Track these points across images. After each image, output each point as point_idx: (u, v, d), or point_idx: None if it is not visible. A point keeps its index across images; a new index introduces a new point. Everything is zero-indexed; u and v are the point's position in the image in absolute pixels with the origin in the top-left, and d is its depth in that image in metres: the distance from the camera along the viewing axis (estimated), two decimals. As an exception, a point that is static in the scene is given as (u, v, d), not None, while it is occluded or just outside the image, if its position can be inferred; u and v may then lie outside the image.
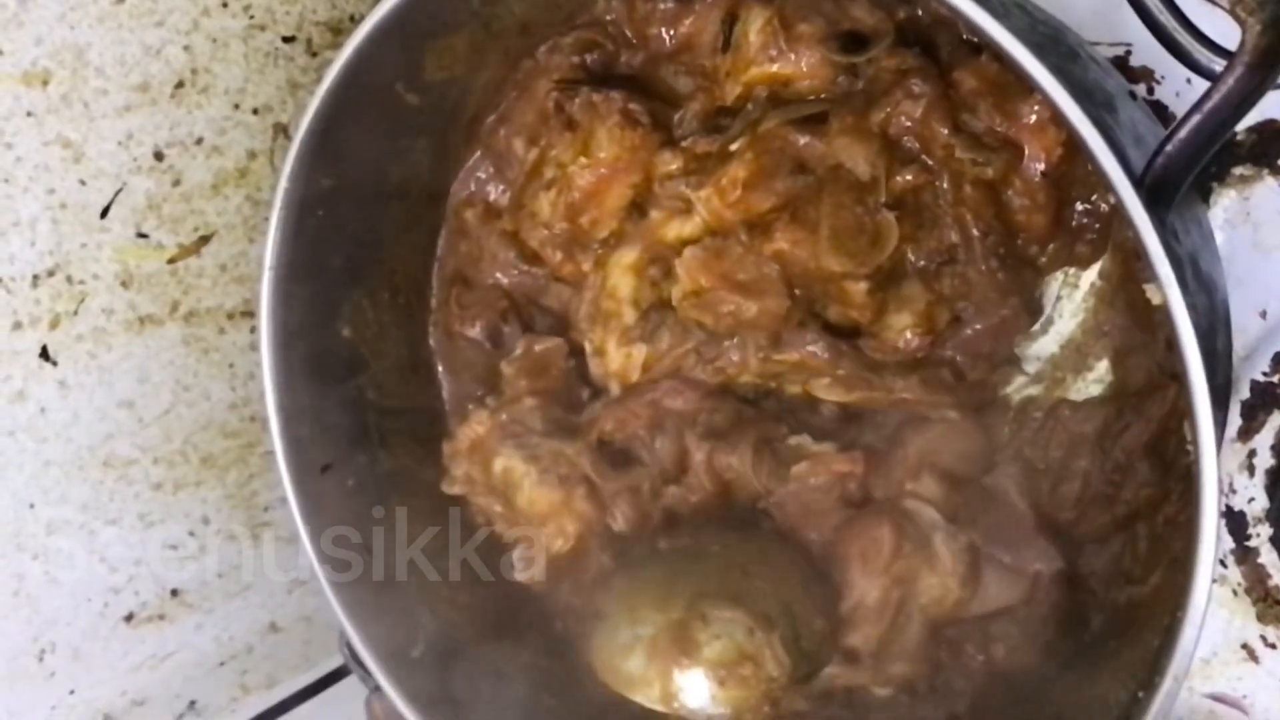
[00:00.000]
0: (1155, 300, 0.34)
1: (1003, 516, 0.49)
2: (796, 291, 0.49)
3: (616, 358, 0.53)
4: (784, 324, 0.50)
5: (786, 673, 0.47)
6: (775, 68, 0.48)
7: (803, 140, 0.48)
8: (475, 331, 0.57)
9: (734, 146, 0.48)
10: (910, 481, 0.50)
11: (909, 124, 0.46)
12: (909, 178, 0.47)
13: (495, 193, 0.57)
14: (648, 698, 0.47)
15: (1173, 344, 0.34)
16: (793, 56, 0.48)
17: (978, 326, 0.49)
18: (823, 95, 0.48)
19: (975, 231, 0.47)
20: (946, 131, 0.46)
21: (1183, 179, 0.35)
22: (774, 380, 0.52)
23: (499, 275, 0.57)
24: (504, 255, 0.56)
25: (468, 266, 0.58)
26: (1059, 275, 0.49)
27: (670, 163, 0.50)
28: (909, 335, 0.49)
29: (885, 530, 0.49)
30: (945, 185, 0.47)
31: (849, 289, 0.48)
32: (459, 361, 0.59)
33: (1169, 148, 0.34)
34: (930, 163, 0.47)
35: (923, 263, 0.48)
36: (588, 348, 0.54)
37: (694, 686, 0.46)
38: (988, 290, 0.48)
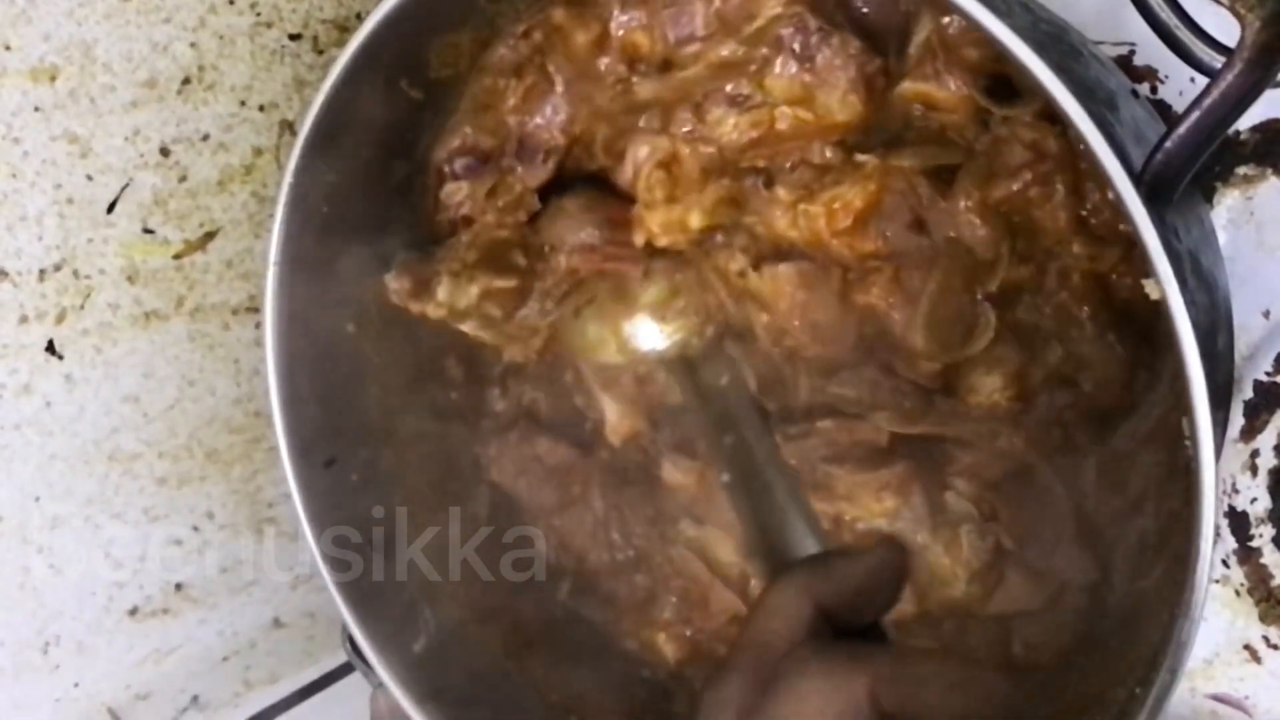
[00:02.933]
0: (1153, 295, 0.34)
1: (1044, 518, 0.47)
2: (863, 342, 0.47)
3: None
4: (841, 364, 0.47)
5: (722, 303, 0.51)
6: (926, 86, 0.44)
7: (926, 196, 0.44)
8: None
9: (861, 157, 0.45)
10: (954, 478, 0.48)
11: (1031, 211, 0.43)
12: (1022, 271, 0.44)
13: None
14: (609, 355, 0.53)
15: (1171, 341, 0.34)
16: (948, 80, 0.44)
17: (1090, 389, 0.45)
18: (954, 139, 0.44)
19: (1083, 314, 0.44)
20: (1068, 226, 0.43)
21: (1182, 176, 0.35)
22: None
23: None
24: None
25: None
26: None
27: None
28: (996, 397, 0.46)
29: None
30: (1051, 276, 0.44)
31: (921, 364, 0.46)
32: None
33: (1168, 144, 0.34)
34: (1040, 254, 0.44)
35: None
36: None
37: (643, 331, 0.52)
38: (1107, 364, 0.45)
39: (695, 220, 0.49)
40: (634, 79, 0.49)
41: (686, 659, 0.55)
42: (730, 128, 0.47)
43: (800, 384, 0.50)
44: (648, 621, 0.56)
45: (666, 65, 0.49)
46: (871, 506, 0.49)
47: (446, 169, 0.55)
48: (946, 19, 0.43)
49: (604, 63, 0.50)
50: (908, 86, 0.45)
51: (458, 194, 0.54)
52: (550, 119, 0.52)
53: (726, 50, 0.47)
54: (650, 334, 0.52)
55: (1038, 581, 0.47)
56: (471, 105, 0.54)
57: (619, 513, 0.56)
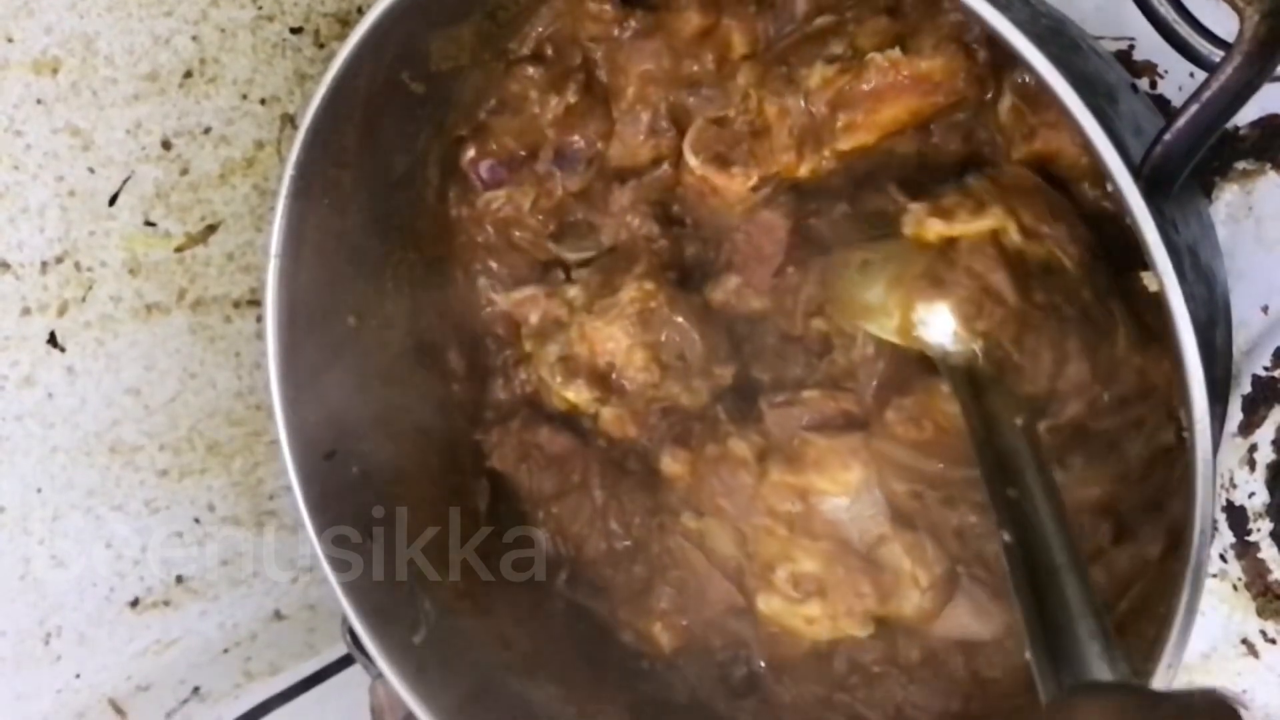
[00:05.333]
0: (1151, 288, 0.34)
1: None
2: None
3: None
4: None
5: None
6: (1038, 145, 0.46)
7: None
8: None
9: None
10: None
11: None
12: None
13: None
14: (882, 327, 0.46)
15: (1169, 333, 0.34)
16: (1045, 134, 0.45)
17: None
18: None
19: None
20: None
21: (1181, 169, 0.35)
22: None
23: None
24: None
25: None
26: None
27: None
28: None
29: None
30: None
31: None
32: None
33: (1167, 137, 0.34)
34: None
35: None
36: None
37: (938, 320, 0.45)
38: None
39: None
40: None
41: (682, 648, 0.56)
42: (819, 76, 0.47)
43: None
44: (644, 611, 0.56)
45: (751, 56, 0.50)
46: (838, 476, 0.49)
47: (472, 174, 0.56)
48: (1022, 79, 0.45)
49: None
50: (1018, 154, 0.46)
51: (495, 201, 0.56)
52: (593, 133, 0.54)
53: (820, 21, 0.48)
54: (944, 328, 0.45)
55: (987, 617, 0.48)
56: (498, 109, 0.55)
57: (618, 502, 0.56)
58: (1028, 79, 0.45)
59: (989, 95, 0.47)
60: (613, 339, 0.53)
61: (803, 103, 0.48)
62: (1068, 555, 0.38)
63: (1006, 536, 0.39)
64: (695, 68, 0.52)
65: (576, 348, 0.54)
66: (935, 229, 0.44)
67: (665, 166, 0.54)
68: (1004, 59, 0.46)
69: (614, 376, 0.54)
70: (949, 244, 0.44)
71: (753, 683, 0.55)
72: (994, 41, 0.45)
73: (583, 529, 0.57)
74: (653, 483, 0.55)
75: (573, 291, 0.54)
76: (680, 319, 0.52)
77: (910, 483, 0.48)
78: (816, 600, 0.50)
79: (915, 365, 0.47)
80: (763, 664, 0.55)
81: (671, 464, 0.53)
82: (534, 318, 0.56)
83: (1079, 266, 0.44)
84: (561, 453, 0.57)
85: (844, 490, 0.49)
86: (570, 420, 0.57)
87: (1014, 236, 0.44)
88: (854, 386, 0.49)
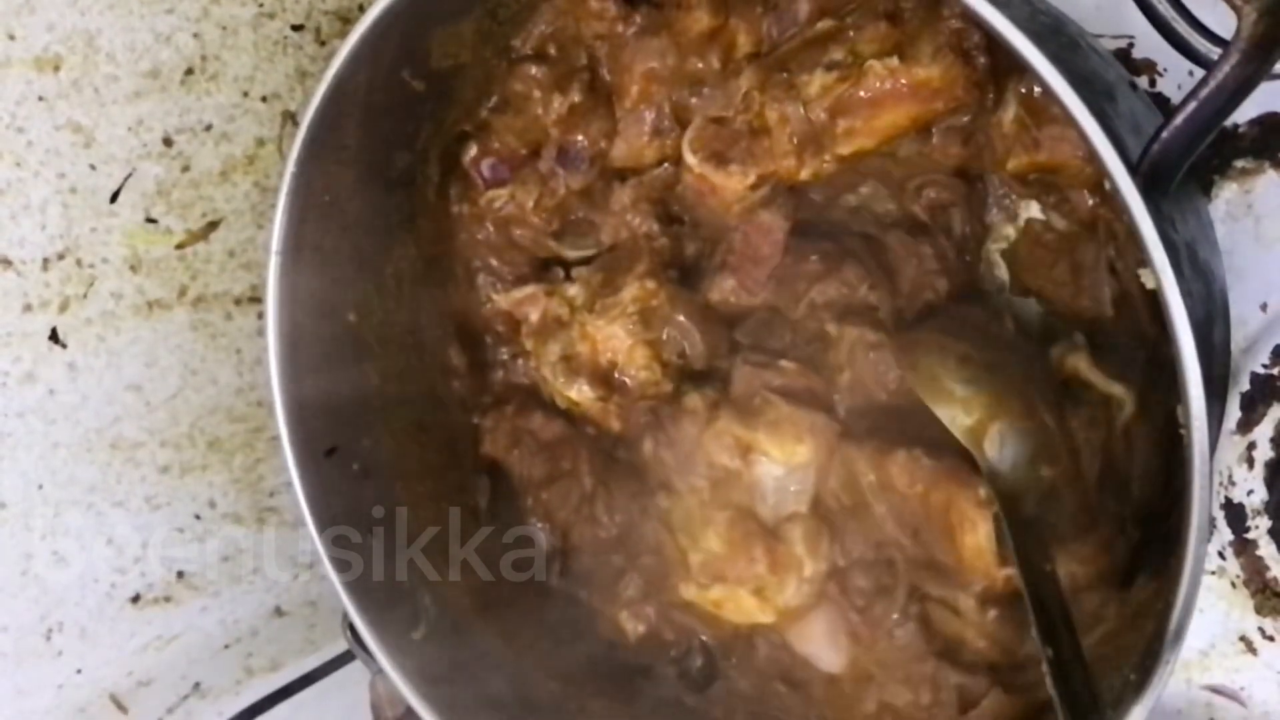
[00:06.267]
0: (1149, 284, 0.34)
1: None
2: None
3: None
4: None
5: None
6: (1042, 156, 0.46)
7: None
8: None
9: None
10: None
11: None
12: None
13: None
14: (951, 418, 0.47)
15: (1167, 330, 0.34)
16: (1049, 145, 0.46)
17: None
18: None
19: None
20: None
21: (1179, 166, 0.35)
22: None
23: None
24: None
25: None
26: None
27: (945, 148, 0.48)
28: None
29: None
30: None
31: None
32: None
33: (1165, 135, 0.34)
34: None
35: None
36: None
37: (1011, 445, 0.46)
38: None
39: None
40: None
41: (646, 637, 0.56)
42: (818, 85, 0.48)
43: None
44: (612, 599, 0.56)
45: (755, 56, 0.51)
46: (786, 445, 0.50)
47: (474, 172, 0.56)
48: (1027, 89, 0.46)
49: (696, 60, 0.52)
50: (1021, 161, 0.46)
51: (498, 199, 0.56)
52: (596, 133, 0.54)
53: (821, 25, 0.49)
54: (1009, 455, 0.47)
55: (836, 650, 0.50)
56: (500, 107, 0.55)
57: (606, 489, 0.56)
58: (1033, 90, 0.46)
59: (989, 100, 0.47)
60: (615, 338, 0.53)
61: (802, 110, 0.49)
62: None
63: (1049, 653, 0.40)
64: (700, 66, 0.52)
65: (578, 347, 0.54)
66: (1083, 370, 0.46)
67: (668, 166, 0.54)
68: (1005, 65, 0.46)
69: (615, 375, 0.54)
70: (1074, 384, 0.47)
71: (710, 673, 0.56)
72: (994, 48, 0.45)
73: (570, 515, 0.57)
74: (639, 471, 0.55)
75: (573, 290, 0.55)
76: (681, 317, 0.53)
77: (849, 495, 0.50)
78: (719, 585, 0.51)
79: (908, 422, 0.48)
80: (715, 652, 0.56)
81: (650, 447, 0.54)
82: (534, 316, 0.56)
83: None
84: (553, 439, 0.57)
85: (785, 461, 0.50)
86: (563, 409, 0.57)
87: (1128, 412, 0.46)
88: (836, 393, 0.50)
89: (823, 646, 0.51)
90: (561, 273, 0.56)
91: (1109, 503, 0.47)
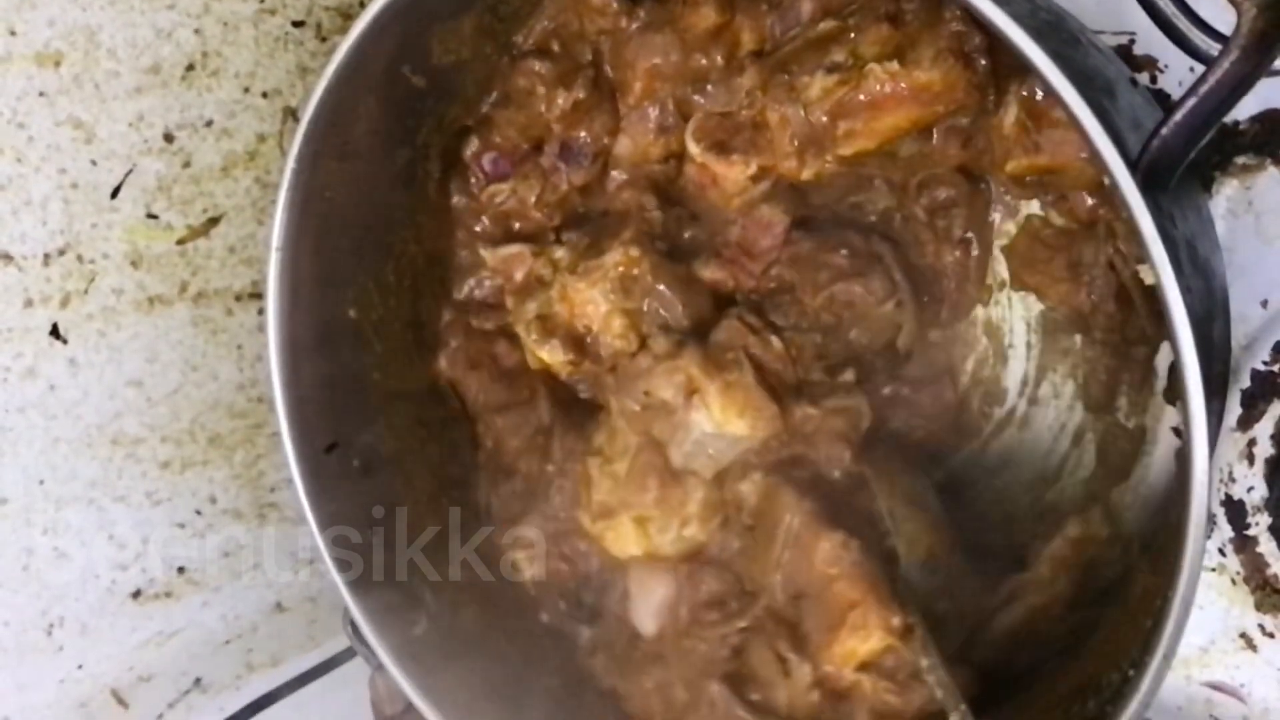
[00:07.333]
0: (1148, 280, 0.34)
1: None
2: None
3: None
4: None
5: None
6: (1042, 159, 0.46)
7: None
8: None
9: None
10: None
11: None
12: None
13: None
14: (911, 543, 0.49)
15: (1166, 326, 0.34)
16: (1050, 148, 0.46)
17: None
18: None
19: None
20: None
21: (1178, 162, 0.35)
22: None
23: None
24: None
25: None
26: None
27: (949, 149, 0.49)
28: None
29: None
30: None
31: None
32: None
33: (1164, 131, 0.34)
34: None
35: None
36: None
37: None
38: None
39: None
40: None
41: (543, 581, 0.56)
42: (819, 88, 0.48)
43: None
44: (515, 540, 0.56)
45: (759, 53, 0.51)
46: (730, 413, 0.50)
47: (475, 167, 0.56)
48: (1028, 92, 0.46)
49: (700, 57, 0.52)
50: (1021, 164, 0.47)
51: (500, 194, 0.56)
52: (599, 129, 0.54)
53: (823, 25, 0.49)
54: None
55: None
56: (501, 102, 0.55)
57: (561, 426, 0.55)
58: (1034, 93, 0.45)
59: (990, 102, 0.47)
60: (592, 302, 0.52)
61: (802, 112, 0.49)
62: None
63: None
64: (704, 62, 0.52)
65: (555, 307, 0.54)
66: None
67: (672, 163, 0.54)
68: (1006, 68, 0.46)
69: (589, 341, 0.54)
70: None
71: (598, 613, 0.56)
72: (995, 51, 0.45)
73: (520, 445, 0.56)
74: (593, 418, 0.55)
75: (559, 252, 0.54)
76: (663, 286, 0.52)
77: (756, 520, 0.50)
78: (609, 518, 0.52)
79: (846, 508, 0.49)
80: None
81: (612, 382, 0.53)
82: (519, 275, 0.55)
83: None
84: (516, 367, 0.56)
85: (722, 425, 0.50)
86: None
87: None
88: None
89: (648, 604, 0.52)
90: (552, 235, 0.56)
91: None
